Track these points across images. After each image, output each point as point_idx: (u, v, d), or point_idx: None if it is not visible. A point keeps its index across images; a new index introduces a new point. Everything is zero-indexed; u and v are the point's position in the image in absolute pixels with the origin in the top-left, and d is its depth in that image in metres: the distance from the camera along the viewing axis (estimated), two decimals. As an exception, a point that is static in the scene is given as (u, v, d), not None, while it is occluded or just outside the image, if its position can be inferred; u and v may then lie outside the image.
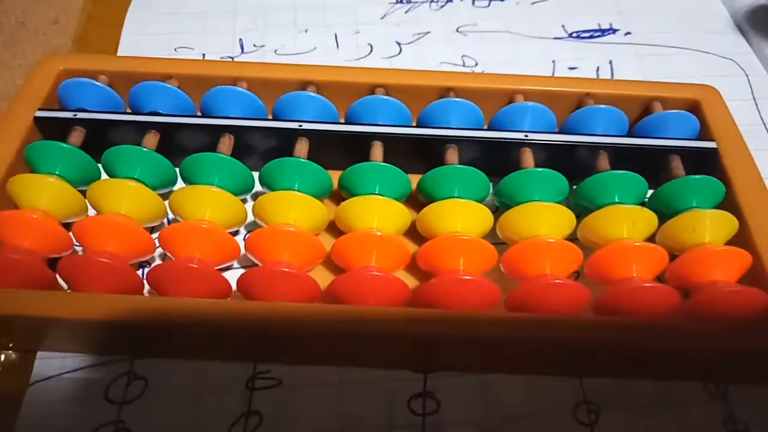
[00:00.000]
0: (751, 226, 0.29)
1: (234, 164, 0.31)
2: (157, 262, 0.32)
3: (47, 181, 0.30)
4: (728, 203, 0.31)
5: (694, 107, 0.35)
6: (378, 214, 0.30)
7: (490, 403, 0.28)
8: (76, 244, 0.30)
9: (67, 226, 0.30)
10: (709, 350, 0.26)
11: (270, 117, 0.35)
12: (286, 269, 0.27)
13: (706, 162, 0.32)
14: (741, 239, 0.29)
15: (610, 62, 0.42)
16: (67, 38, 0.44)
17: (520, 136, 0.32)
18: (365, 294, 0.27)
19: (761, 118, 0.40)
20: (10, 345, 0.30)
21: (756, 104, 0.40)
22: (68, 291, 0.29)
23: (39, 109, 0.33)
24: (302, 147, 0.32)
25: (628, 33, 0.44)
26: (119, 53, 0.42)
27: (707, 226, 0.29)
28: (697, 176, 0.30)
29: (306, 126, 0.32)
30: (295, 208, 0.29)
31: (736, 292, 0.27)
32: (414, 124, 0.35)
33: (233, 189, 0.31)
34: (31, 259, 0.28)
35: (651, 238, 0.30)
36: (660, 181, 0.31)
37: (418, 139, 0.33)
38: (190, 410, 0.28)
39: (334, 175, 0.32)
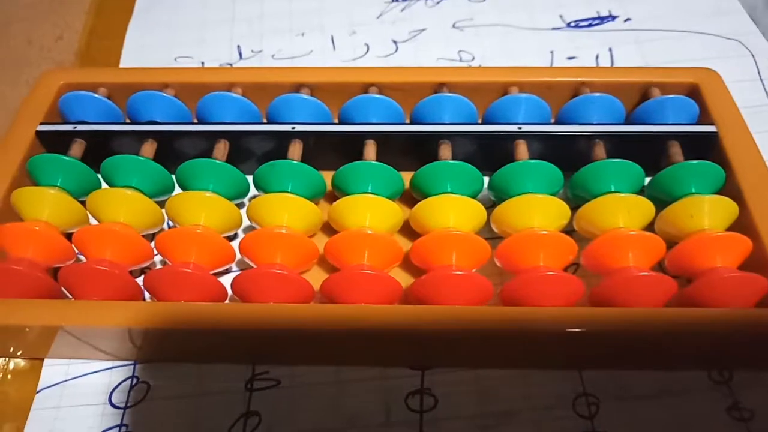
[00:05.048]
0: (752, 211, 0.29)
1: (228, 169, 0.31)
2: (159, 267, 0.32)
3: (48, 193, 0.30)
4: (730, 188, 0.30)
5: (693, 91, 0.34)
6: (370, 212, 0.30)
7: (488, 397, 0.28)
8: (78, 252, 0.31)
9: (70, 236, 0.31)
10: (710, 337, 0.26)
11: (264, 121, 0.35)
12: (278, 271, 0.27)
13: (705, 147, 0.32)
14: (743, 224, 0.29)
15: (610, 50, 0.42)
16: (71, 53, 0.45)
17: (513, 128, 0.32)
18: (357, 292, 0.27)
19: (769, 99, 0.39)
20: (19, 353, 0.30)
21: (763, 84, 0.39)
22: (71, 300, 0.29)
23: (41, 123, 0.33)
24: (295, 149, 0.32)
25: (628, 19, 0.43)
26: (121, 65, 0.43)
27: (705, 212, 0.28)
28: (695, 161, 0.30)
29: (299, 128, 0.33)
30: (287, 210, 0.30)
31: (735, 278, 0.26)
32: (407, 121, 0.35)
33: (228, 193, 0.31)
34: (35, 270, 0.29)
35: (650, 227, 0.30)
36: (659, 168, 0.31)
37: (410, 137, 0.32)
38: (190, 412, 0.28)
39: (330, 176, 0.32)
